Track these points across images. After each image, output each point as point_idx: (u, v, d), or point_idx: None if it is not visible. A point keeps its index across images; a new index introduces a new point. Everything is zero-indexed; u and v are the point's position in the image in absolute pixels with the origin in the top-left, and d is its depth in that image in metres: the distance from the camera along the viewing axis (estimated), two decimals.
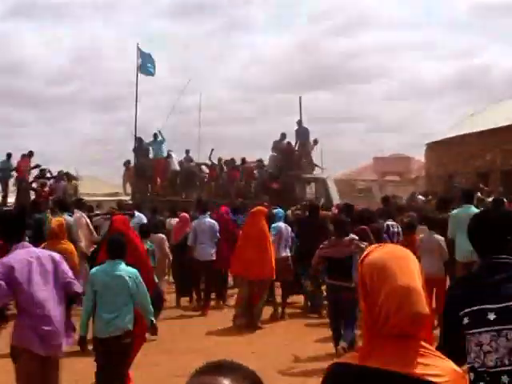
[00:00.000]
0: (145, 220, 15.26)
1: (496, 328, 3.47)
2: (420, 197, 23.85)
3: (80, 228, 13.73)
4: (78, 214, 14.21)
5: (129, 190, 26.45)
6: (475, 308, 3.55)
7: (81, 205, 15.44)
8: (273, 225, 12.50)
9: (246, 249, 11.22)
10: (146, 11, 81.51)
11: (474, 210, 10.49)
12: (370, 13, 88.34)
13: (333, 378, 2.34)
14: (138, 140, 25.66)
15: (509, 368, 3.45)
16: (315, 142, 25.91)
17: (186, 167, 25.71)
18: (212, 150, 26.08)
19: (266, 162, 25.83)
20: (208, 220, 13.20)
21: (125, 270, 6.39)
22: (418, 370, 2.18)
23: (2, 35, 74.00)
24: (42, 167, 23.54)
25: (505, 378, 3.43)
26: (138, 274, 6.62)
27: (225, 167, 25.41)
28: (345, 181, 40.54)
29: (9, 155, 23.96)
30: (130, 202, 22.24)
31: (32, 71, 73.28)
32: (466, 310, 3.58)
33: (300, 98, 27.24)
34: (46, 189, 21.42)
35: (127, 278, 6.34)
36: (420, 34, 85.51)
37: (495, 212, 6.27)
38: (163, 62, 75.04)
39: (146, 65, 26.35)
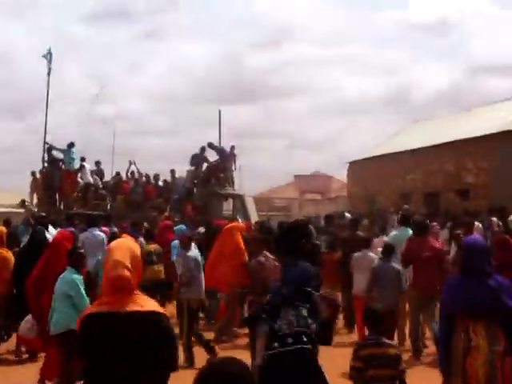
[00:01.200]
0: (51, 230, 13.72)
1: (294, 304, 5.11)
2: (347, 215, 22.43)
3: None
4: None
5: (35, 199, 24.31)
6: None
7: None
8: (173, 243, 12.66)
9: (219, 264, 10.98)
10: (63, 16, 76.72)
11: (410, 232, 10.98)
12: (295, 27, 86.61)
13: (84, 324, 3.82)
14: (48, 148, 23.73)
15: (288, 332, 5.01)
16: (232, 147, 24.43)
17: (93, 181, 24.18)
18: (130, 162, 24.39)
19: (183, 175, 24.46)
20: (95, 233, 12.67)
21: None
22: (131, 307, 3.77)
23: None
24: None
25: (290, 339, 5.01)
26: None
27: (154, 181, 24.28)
28: (263, 198, 40.55)
29: None
30: (43, 214, 19.15)
31: None
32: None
33: (220, 111, 26.30)
34: None
35: None
36: (345, 50, 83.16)
37: (291, 223, 7.92)
38: (78, 68, 71.32)
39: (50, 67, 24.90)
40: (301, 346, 4.94)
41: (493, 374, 5.44)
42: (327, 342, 5.38)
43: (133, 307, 3.81)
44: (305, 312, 5.13)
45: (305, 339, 4.95)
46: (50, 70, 25.21)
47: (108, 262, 4.02)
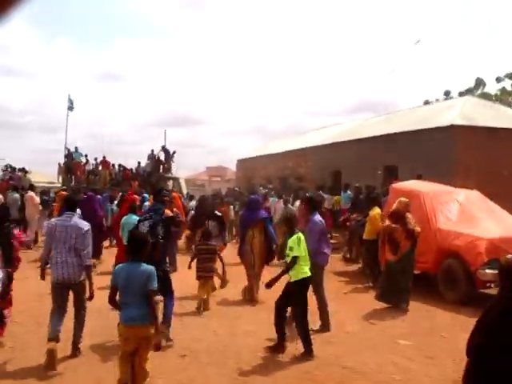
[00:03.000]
0: None
1: None
2: (237, 189, 27.84)
3: (32, 201, 16.37)
4: (30, 193, 16.67)
5: (60, 180, 29.76)
6: None
7: (32, 188, 18.03)
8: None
9: None
10: (79, 76, 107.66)
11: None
12: (207, 84, 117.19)
13: None
14: (67, 150, 30.27)
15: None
16: (174, 152, 30.55)
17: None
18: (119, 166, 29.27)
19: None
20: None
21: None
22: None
23: None
24: (8, 165, 27.08)
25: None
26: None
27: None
28: (188, 180, 43.60)
29: None
30: (64, 187, 22.89)
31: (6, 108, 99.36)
32: None
33: (165, 131, 34.84)
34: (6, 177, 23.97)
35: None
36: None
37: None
38: (85, 107, 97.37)
39: (70, 105, 31.80)
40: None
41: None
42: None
43: None
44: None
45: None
46: (69, 107, 31.74)
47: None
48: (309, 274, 6.61)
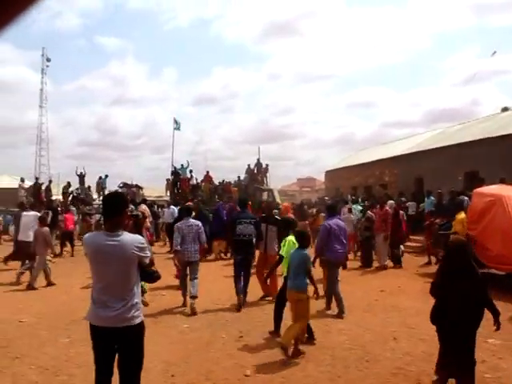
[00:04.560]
0: (176, 211, 16.48)
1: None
2: (326, 198, 27.44)
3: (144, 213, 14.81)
4: (143, 206, 16.37)
5: (168, 194, 30.39)
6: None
7: (145, 201, 18.96)
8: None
9: None
10: (180, 102, 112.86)
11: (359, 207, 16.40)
12: (295, 104, 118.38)
13: None
14: (173, 167, 30.08)
15: None
16: (267, 165, 31.06)
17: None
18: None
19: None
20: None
21: None
22: None
23: (108, 114, 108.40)
24: (123, 183, 28.56)
25: None
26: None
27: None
28: (281, 190, 42.71)
29: (106, 175, 29.01)
30: (170, 200, 25.33)
31: (121, 132, 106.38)
32: None
33: (259, 147, 40.04)
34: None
35: None
36: (320, 115, 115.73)
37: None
38: (187, 129, 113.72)
39: (177, 126, 31.90)
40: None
41: None
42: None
43: None
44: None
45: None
46: (176, 128, 31.93)
47: None
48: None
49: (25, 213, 12.80)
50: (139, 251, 3.80)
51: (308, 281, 6.30)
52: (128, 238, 3.83)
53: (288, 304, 6.68)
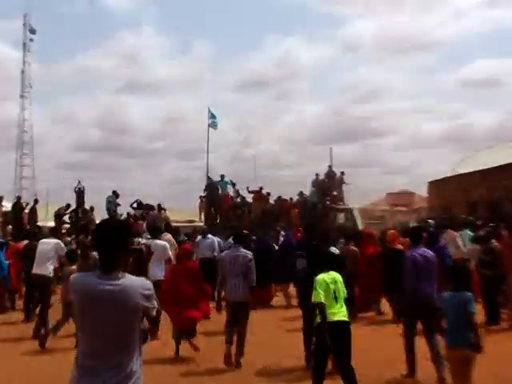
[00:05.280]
0: (216, 242, 17.20)
1: None
2: (430, 221, 27.04)
3: (170, 244, 14.97)
4: (168, 235, 16.20)
5: (202, 217, 30.30)
6: None
7: (169, 228, 18.57)
8: None
9: None
10: (217, 86, 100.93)
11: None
12: (382, 86, 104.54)
13: None
14: (209, 179, 30.09)
15: None
16: (342, 174, 30.38)
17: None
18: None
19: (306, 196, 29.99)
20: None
21: None
22: None
23: (116, 105, 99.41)
24: (139, 201, 27.79)
25: None
26: None
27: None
28: (364, 210, 41.55)
29: (115, 193, 28.38)
30: (205, 226, 24.36)
31: (134, 131, 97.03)
32: None
33: (331, 148, 33.23)
34: (140, 222, 23.96)
35: None
36: (419, 102, 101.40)
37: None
38: (228, 124, 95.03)
39: (213, 121, 31.77)
40: None
41: None
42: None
43: None
44: None
45: None
46: (211, 124, 31.69)
47: None
48: (336, 318, 7.44)
49: (43, 240, 13.89)
50: (145, 300, 3.92)
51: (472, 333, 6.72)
52: (131, 282, 3.93)
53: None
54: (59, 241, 14.08)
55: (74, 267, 12.01)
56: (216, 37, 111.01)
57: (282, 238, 17.98)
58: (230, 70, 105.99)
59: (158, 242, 13.86)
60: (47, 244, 13.38)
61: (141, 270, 12.77)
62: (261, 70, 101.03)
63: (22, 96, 53.64)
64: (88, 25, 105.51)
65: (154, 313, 4.04)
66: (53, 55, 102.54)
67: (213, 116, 31.94)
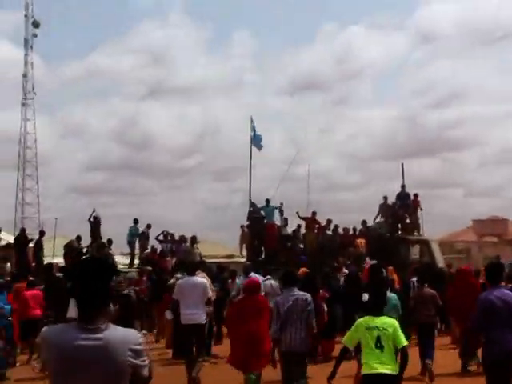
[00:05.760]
0: (260, 280, 16.36)
1: None
2: None
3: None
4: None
5: (244, 251, 30.66)
6: None
7: (202, 265, 18.17)
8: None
9: None
10: (262, 89, 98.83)
11: None
12: (466, 86, 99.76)
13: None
14: (252, 205, 29.95)
15: None
16: (416, 197, 29.92)
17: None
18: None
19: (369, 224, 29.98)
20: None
21: None
22: None
23: (139, 114, 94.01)
24: (166, 232, 28.06)
25: None
26: None
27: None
28: (444, 243, 43.89)
29: (136, 221, 28.77)
30: (247, 263, 24.46)
31: (160, 146, 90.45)
32: None
33: (402, 164, 32.19)
34: (168, 258, 25.00)
35: None
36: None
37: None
38: (275, 135, 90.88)
39: (257, 138, 31.53)
40: None
41: None
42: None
43: None
44: None
45: None
46: (256, 143, 31.33)
47: None
48: (374, 370, 7.64)
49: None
50: (135, 357, 3.87)
51: None
52: (116, 335, 3.89)
53: None
54: None
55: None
56: (259, 28, 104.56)
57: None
58: (277, 68, 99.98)
59: (198, 279, 14.08)
60: None
61: (129, 321, 12.90)
62: (315, 69, 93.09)
63: (23, 104, 53.57)
64: (103, 16, 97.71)
65: (146, 372, 3.98)
66: (61, 54, 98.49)
67: (255, 134, 31.75)
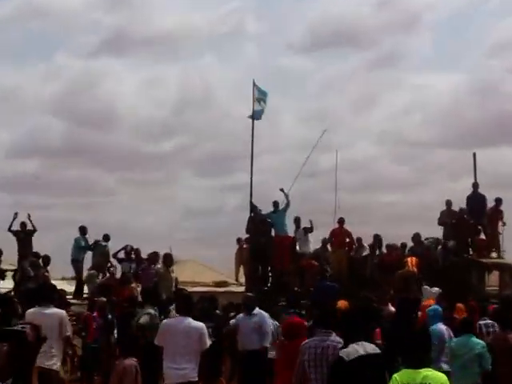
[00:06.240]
0: (268, 322, 16.90)
1: None
2: None
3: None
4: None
5: (242, 276, 28.93)
6: None
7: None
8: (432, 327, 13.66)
9: None
10: (269, 43, 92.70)
11: None
12: None
13: None
14: (254, 210, 27.80)
15: None
16: (498, 202, 27.69)
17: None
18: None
19: (423, 239, 27.48)
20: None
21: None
22: None
23: (91, 76, 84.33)
24: (129, 247, 26.36)
25: None
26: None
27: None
28: None
29: (83, 229, 27.35)
30: (248, 294, 22.35)
31: (122, 123, 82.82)
32: None
33: (474, 154, 30.50)
34: (132, 285, 23.06)
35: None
36: None
37: None
38: (290, 109, 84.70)
39: (259, 109, 29.52)
40: None
41: None
42: None
43: None
44: None
45: None
46: (250, 117, 29.29)
47: None
48: None
49: None
50: None
51: None
52: None
53: None
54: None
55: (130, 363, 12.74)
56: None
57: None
58: (291, 15, 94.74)
59: (192, 322, 13.19)
60: None
61: (23, 367, 10.05)
62: (346, 16, 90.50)
63: None
64: None
65: None
66: None
67: (261, 92, 29.48)
